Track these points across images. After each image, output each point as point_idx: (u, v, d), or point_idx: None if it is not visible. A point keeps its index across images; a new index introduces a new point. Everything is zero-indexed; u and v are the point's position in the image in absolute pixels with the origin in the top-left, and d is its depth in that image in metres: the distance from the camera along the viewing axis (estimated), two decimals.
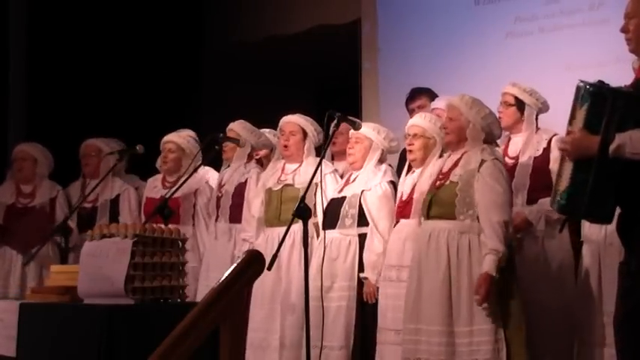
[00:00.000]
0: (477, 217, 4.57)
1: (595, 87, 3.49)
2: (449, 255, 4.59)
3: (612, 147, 3.42)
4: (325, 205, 5.40)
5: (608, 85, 3.56)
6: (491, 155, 4.69)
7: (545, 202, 4.87)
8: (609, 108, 3.43)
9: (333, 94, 8.52)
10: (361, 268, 5.27)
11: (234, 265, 3.24)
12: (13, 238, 6.46)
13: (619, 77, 3.77)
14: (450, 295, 4.55)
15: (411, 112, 5.98)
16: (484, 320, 4.49)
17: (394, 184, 5.36)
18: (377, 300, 5.16)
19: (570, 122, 3.56)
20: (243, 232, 5.80)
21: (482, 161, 4.64)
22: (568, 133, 3.57)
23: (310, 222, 5.13)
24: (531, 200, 5.08)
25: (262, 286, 5.46)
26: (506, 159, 5.21)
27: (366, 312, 5.21)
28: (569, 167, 3.54)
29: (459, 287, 4.54)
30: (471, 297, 4.52)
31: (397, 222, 5.19)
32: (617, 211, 3.65)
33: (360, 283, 5.25)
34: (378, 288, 5.17)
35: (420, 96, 6.18)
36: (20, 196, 6.59)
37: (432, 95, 6.15)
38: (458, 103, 4.81)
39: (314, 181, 4.94)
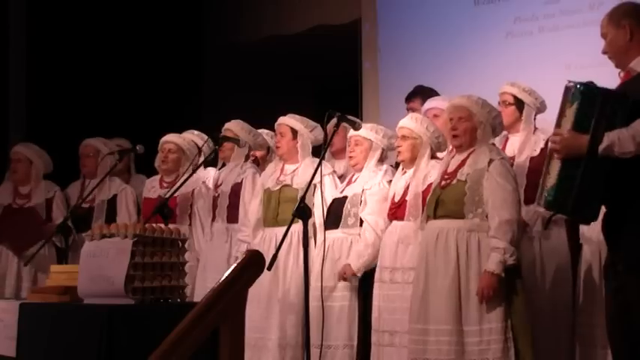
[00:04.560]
0: (487, 216, 4.57)
1: (585, 86, 3.53)
2: (458, 254, 4.58)
3: (601, 147, 3.45)
4: (327, 205, 5.41)
5: (596, 85, 3.59)
6: (499, 155, 4.69)
7: None
8: (599, 107, 3.47)
9: (333, 94, 8.51)
10: None
11: (234, 265, 3.24)
12: (7, 239, 6.46)
13: (619, 77, 3.78)
14: (459, 294, 4.54)
15: (408, 112, 5.98)
16: (493, 319, 4.48)
17: None
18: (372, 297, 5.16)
19: (559, 121, 3.58)
20: (240, 232, 5.79)
21: (491, 160, 4.63)
22: (556, 132, 3.58)
23: (310, 222, 5.14)
24: (527, 201, 5.05)
25: (259, 285, 5.45)
26: None
27: (367, 310, 5.21)
28: (556, 165, 3.55)
29: (468, 286, 4.53)
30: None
31: (389, 223, 5.19)
32: (602, 210, 3.66)
33: (361, 281, 5.26)
34: (360, 280, 5.21)
35: (414, 98, 6.17)
36: (17, 197, 6.59)
37: (428, 96, 6.11)
38: (468, 104, 4.76)
39: (313, 182, 4.93)
